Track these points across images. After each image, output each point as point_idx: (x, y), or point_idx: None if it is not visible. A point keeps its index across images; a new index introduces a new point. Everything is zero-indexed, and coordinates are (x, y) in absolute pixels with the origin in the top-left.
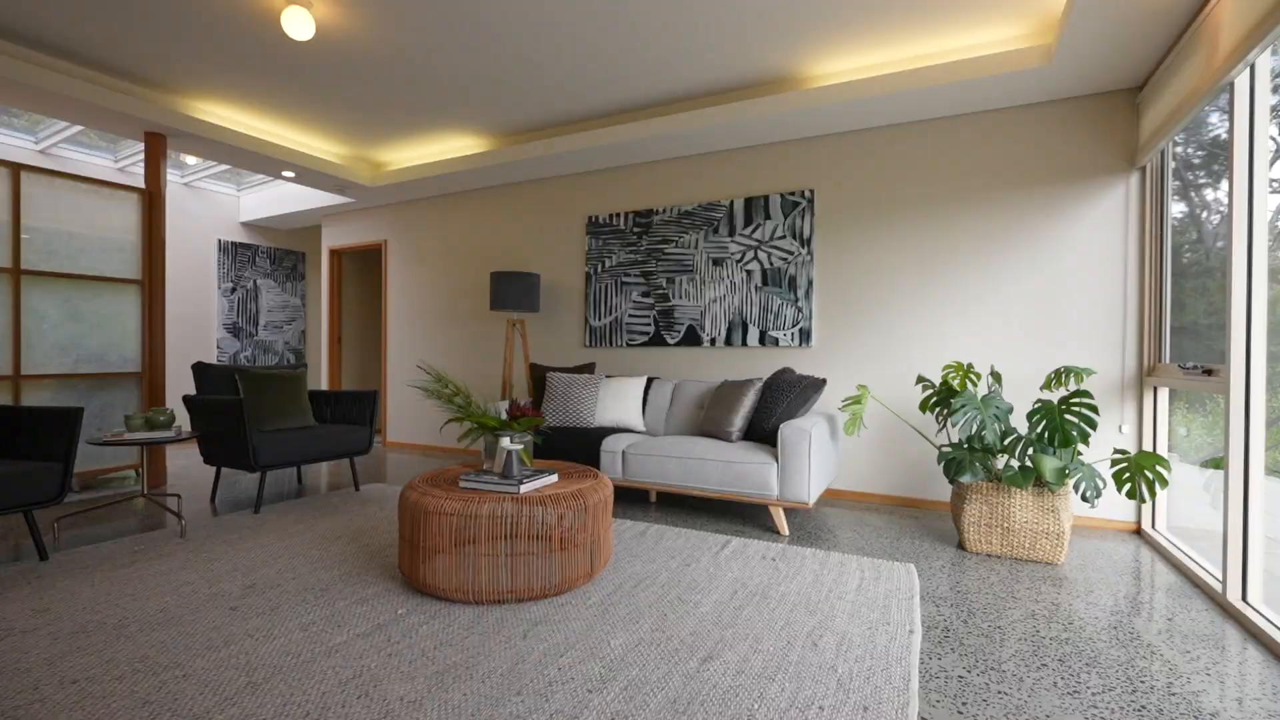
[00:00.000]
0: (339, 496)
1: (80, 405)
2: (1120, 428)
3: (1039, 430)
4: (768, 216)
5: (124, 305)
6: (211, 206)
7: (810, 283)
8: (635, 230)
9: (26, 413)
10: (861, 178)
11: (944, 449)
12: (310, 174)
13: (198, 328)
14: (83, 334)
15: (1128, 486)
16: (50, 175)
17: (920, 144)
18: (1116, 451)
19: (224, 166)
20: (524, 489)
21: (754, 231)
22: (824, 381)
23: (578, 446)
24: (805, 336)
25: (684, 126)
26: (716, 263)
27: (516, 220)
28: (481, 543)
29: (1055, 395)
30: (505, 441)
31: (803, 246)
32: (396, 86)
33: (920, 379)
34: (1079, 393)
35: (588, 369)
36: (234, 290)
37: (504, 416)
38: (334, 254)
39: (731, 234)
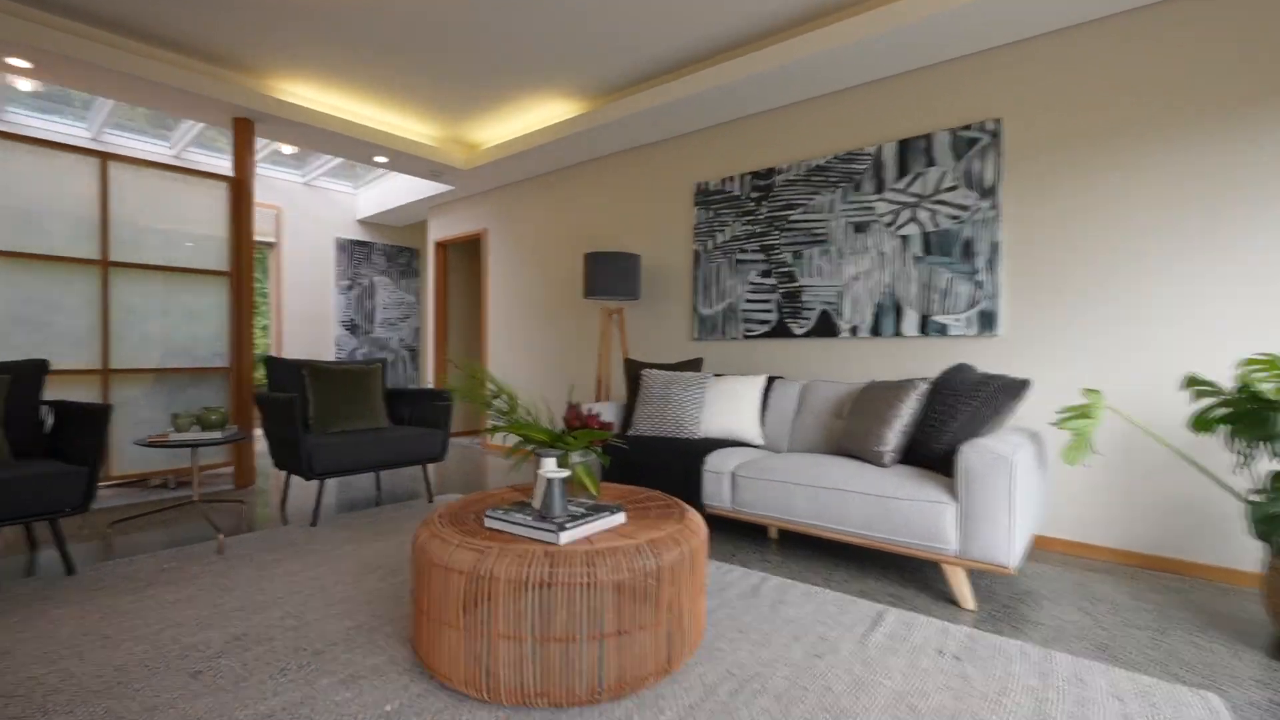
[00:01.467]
0: (410, 509)
1: (109, 404)
2: None
3: None
4: (931, 162)
5: (212, 298)
6: (330, 205)
7: (995, 248)
8: (753, 195)
9: (68, 409)
10: (1073, 97)
11: (1254, 497)
12: (403, 158)
13: (317, 325)
14: (171, 327)
15: None
16: (137, 165)
17: (1173, 36)
18: None
19: (338, 160)
20: (566, 536)
21: (911, 184)
22: (1025, 383)
23: (673, 464)
24: (988, 321)
25: (814, 50)
26: (859, 229)
27: (615, 196)
28: (499, 617)
29: None
30: (548, 465)
31: (983, 199)
32: (486, 44)
33: (1192, 381)
34: None
35: (693, 365)
36: (350, 288)
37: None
38: (439, 246)
39: (879, 190)
